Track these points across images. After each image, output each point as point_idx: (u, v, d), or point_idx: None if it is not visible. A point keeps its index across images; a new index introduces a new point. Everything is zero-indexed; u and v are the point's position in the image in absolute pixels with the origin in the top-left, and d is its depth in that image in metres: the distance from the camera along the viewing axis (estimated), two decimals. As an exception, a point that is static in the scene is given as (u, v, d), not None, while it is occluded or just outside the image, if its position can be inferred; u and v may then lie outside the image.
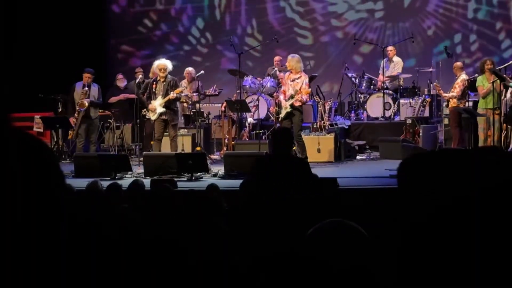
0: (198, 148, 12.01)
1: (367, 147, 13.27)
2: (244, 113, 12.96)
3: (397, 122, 13.38)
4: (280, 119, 11.26)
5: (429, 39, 15.55)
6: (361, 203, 7.07)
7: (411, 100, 13.42)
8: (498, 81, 10.79)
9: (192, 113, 13.37)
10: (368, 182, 9.33)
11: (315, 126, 12.59)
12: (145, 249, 3.58)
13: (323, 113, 12.82)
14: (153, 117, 11.21)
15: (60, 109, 13.31)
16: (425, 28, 15.60)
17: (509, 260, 1.42)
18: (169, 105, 11.13)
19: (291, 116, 10.94)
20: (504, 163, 1.51)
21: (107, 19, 16.96)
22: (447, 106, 12.14)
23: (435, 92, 12.79)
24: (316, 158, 11.56)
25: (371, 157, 12.57)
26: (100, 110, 12.73)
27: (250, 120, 13.12)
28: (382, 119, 13.72)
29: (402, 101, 13.72)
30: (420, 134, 12.39)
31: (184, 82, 13.41)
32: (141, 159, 10.91)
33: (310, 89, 11.68)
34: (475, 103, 11.96)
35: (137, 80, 12.18)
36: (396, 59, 14.41)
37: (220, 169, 10.41)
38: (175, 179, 8.80)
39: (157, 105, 11.08)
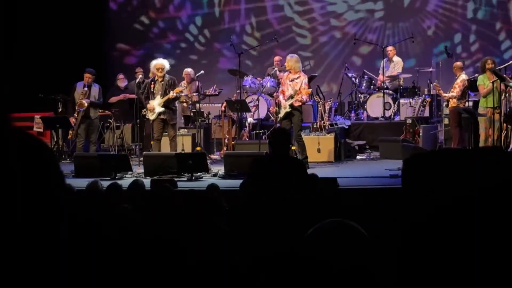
0: (198, 148, 12.01)
1: (367, 147, 13.27)
2: (244, 113, 12.96)
3: (397, 122, 13.38)
4: (279, 119, 11.26)
5: (429, 39, 15.55)
6: (361, 203, 7.06)
7: (411, 100, 13.42)
8: (499, 81, 10.79)
9: (192, 113, 13.37)
10: (368, 182, 9.33)
11: (315, 126, 12.59)
12: (145, 249, 3.58)
13: (323, 113, 12.82)
14: (151, 117, 11.20)
15: (60, 109, 13.31)
16: (425, 28, 15.60)
17: (509, 260, 1.42)
18: (168, 105, 11.13)
19: (291, 116, 10.93)
20: (505, 163, 1.51)
21: (107, 19, 16.95)
22: (447, 106, 12.14)
23: (435, 92, 12.78)
24: (316, 158, 11.57)
25: (371, 157, 12.57)
26: (100, 110, 12.73)
27: (250, 120, 13.12)
28: (382, 119, 13.72)
29: (402, 101, 13.72)
30: (420, 134, 12.39)
31: (183, 83, 13.41)
32: (141, 159, 10.91)
33: (310, 89, 11.69)
34: (475, 103, 11.95)
35: (137, 80, 12.19)
36: (396, 59, 14.41)
37: (220, 169, 10.42)
38: (175, 179, 8.81)
39: (156, 104, 11.08)
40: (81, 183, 7.33)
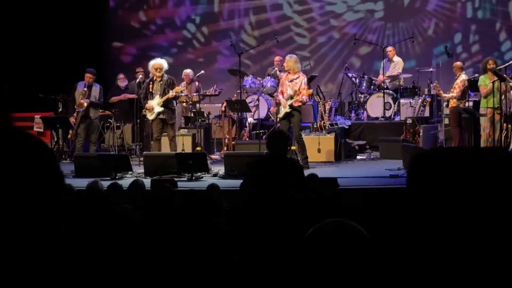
0: (198, 148, 12.01)
1: (367, 147, 13.27)
2: (245, 113, 12.96)
3: (397, 122, 13.38)
4: (278, 119, 11.26)
5: (429, 39, 15.54)
6: (361, 203, 7.07)
7: (411, 100, 13.42)
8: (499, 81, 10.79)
9: (192, 114, 13.38)
10: (368, 182, 9.34)
11: (315, 126, 12.59)
12: (145, 249, 3.58)
13: (323, 113, 12.82)
14: (150, 116, 11.21)
15: (60, 109, 13.31)
16: (425, 28, 15.60)
17: (509, 260, 1.42)
18: (167, 104, 11.13)
19: (290, 117, 10.92)
20: (505, 163, 1.51)
21: (107, 18, 16.94)
22: (447, 106, 12.13)
23: (435, 92, 12.78)
24: (316, 158, 11.57)
25: (371, 157, 12.57)
26: (101, 110, 12.73)
27: (250, 120, 13.12)
28: (382, 119, 13.72)
29: (402, 101, 13.72)
30: (420, 134, 12.39)
31: (183, 84, 13.41)
32: (141, 159, 10.92)
33: (311, 90, 11.67)
34: (475, 103, 11.95)
35: (138, 80, 12.19)
36: (396, 59, 14.40)
37: (220, 169, 10.42)
38: (175, 179, 8.81)
39: (155, 104, 11.08)
40: (81, 183, 7.33)
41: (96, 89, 12.07)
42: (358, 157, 12.56)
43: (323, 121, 12.67)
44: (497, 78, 10.75)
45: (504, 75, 11.07)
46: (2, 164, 1.32)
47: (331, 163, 11.74)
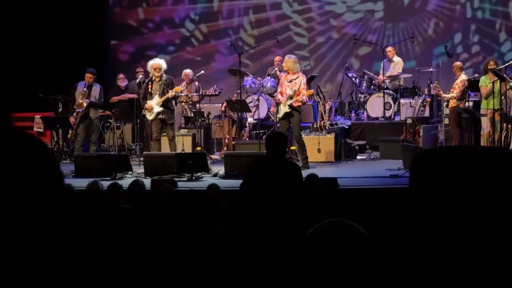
0: (198, 148, 12.01)
1: (367, 147, 13.27)
2: (244, 113, 12.96)
3: (397, 122, 13.37)
4: (278, 119, 11.25)
5: (429, 39, 15.54)
6: (361, 203, 7.07)
7: (411, 100, 13.42)
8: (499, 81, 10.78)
9: (192, 114, 13.38)
10: (368, 182, 9.34)
11: (315, 126, 12.59)
12: (145, 249, 3.58)
13: (323, 113, 12.82)
14: (150, 116, 11.20)
15: (60, 109, 13.31)
16: (425, 28, 15.59)
17: (509, 260, 1.42)
18: (166, 104, 11.13)
19: (290, 117, 10.91)
20: (505, 163, 1.51)
21: (107, 18, 16.93)
22: (447, 106, 12.13)
23: (435, 92, 12.78)
24: (316, 158, 11.56)
25: (371, 157, 12.57)
26: (101, 110, 12.73)
27: (250, 120, 13.12)
28: (382, 119, 13.71)
29: (402, 101, 13.72)
30: (420, 134, 12.39)
31: (183, 84, 13.40)
32: (141, 159, 10.91)
33: (312, 90, 11.66)
34: (475, 103, 11.94)
35: (138, 80, 12.19)
36: (396, 59, 14.40)
37: (220, 169, 10.42)
38: (176, 179, 8.81)
39: (154, 104, 11.08)
40: (81, 183, 7.33)
41: (96, 89, 12.06)
42: (358, 157, 12.55)
43: (323, 121, 12.67)
44: (497, 79, 10.74)
45: (504, 75, 11.07)
46: (2, 164, 1.32)
47: (331, 163, 11.73)
